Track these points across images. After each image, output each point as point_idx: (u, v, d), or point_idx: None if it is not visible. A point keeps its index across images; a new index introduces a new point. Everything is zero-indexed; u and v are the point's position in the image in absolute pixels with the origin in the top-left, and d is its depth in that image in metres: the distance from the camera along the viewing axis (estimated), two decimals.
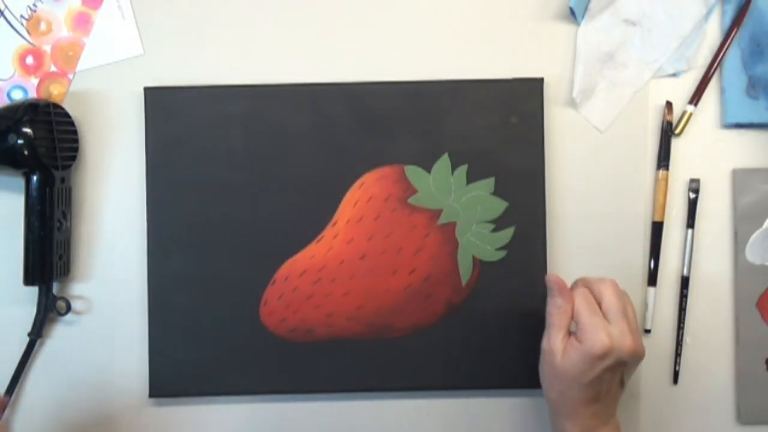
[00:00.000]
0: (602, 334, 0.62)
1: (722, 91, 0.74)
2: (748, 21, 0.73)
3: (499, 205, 0.72)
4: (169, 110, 0.72)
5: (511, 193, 0.72)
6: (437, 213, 0.72)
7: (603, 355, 0.62)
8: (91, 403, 0.73)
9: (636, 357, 0.64)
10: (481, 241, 0.72)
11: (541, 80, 0.73)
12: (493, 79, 0.73)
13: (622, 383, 0.67)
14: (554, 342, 0.65)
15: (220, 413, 0.73)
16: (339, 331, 0.72)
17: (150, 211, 0.72)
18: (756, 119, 0.73)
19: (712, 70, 0.73)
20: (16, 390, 0.72)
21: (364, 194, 0.72)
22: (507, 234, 0.72)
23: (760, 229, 0.73)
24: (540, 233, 0.72)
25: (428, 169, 0.72)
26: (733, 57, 0.74)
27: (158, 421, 0.73)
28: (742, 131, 0.74)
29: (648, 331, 0.73)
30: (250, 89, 0.72)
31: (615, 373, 0.65)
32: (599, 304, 0.65)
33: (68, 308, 0.71)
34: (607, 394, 0.65)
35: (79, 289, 0.73)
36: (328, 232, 0.72)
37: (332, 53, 0.74)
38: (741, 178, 0.74)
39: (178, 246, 0.72)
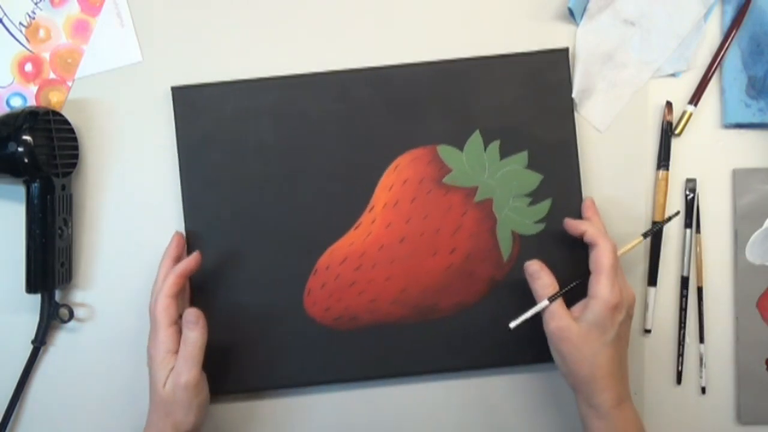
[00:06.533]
0: (615, 286, 0.64)
1: (722, 91, 0.74)
2: (748, 21, 0.73)
3: (534, 179, 0.72)
4: (197, 108, 0.71)
5: (545, 166, 0.72)
6: (473, 190, 0.72)
7: (617, 305, 0.64)
8: (96, 410, 0.73)
9: (633, 308, 0.66)
10: (520, 216, 0.72)
11: (566, 50, 0.73)
12: (518, 52, 0.73)
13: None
14: (562, 317, 0.65)
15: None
16: (383, 316, 0.72)
17: (186, 209, 0.71)
18: (756, 119, 0.73)
19: (711, 70, 0.73)
20: (20, 397, 0.72)
21: (399, 177, 0.72)
22: (544, 206, 0.72)
23: (760, 229, 0.73)
24: (577, 203, 0.72)
25: (461, 148, 0.72)
26: (733, 57, 0.73)
27: None
28: (742, 131, 0.74)
29: (648, 331, 0.74)
30: (277, 81, 0.72)
31: (626, 328, 0.65)
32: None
33: (71, 315, 0.72)
34: (624, 356, 0.66)
35: (82, 296, 0.73)
36: (365, 218, 0.72)
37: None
38: (741, 178, 0.74)
39: (215, 243, 0.71)
